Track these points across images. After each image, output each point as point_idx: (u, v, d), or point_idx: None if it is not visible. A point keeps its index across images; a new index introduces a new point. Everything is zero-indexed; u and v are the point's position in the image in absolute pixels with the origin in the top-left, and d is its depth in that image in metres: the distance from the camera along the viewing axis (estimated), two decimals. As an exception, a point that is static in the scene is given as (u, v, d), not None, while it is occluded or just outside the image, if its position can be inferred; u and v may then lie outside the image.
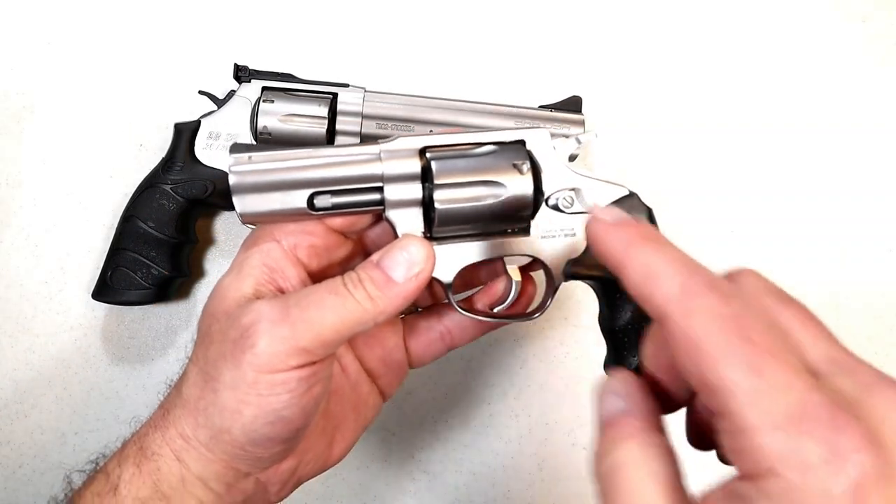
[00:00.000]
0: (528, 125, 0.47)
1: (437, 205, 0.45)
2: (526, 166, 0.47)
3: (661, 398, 0.36)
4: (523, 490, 0.73)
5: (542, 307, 0.52)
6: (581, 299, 0.74)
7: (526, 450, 0.74)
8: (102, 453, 0.48)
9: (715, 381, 0.27)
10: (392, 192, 0.46)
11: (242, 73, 0.68)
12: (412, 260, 0.44)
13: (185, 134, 0.67)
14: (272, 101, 0.66)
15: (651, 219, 0.52)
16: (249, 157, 0.44)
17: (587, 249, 0.49)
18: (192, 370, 0.46)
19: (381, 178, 0.45)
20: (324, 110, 0.66)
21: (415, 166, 0.46)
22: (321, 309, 0.42)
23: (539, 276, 0.55)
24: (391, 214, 0.46)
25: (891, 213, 0.77)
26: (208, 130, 0.67)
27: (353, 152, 0.46)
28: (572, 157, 0.69)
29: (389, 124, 0.68)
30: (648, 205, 0.52)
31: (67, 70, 0.75)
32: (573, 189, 0.49)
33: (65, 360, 0.72)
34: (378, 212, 0.47)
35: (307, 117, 0.66)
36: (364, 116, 0.68)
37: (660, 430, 0.33)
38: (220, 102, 0.68)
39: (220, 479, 0.44)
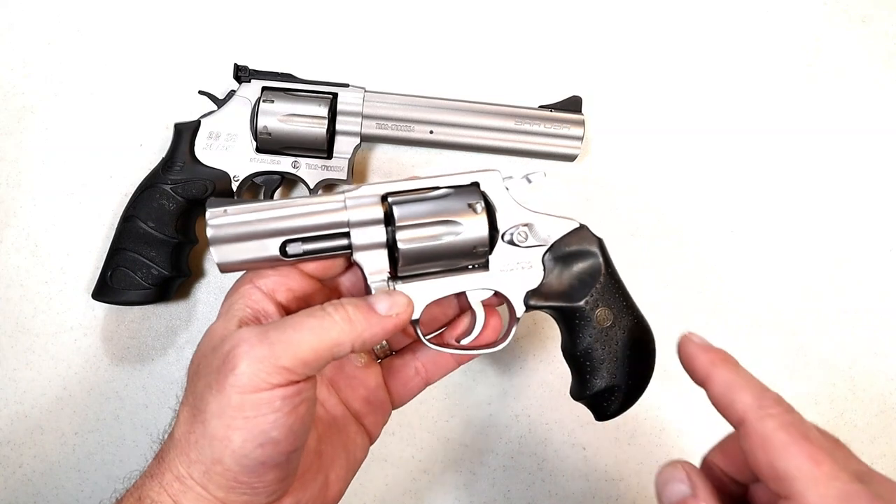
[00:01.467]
0: (483, 169, 0.53)
1: (399, 245, 0.49)
2: (480, 206, 0.51)
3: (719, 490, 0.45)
4: (523, 490, 0.74)
5: (505, 336, 0.56)
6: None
7: (526, 450, 0.74)
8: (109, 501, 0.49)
9: (783, 469, 0.37)
10: (358, 236, 0.49)
11: (242, 73, 0.68)
12: (395, 301, 0.48)
13: (185, 134, 0.67)
14: (272, 101, 0.66)
15: (602, 248, 0.55)
16: (225, 211, 0.48)
17: (544, 280, 0.54)
18: (182, 411, 0.47)
19: (348, 224, 0.49)
20: (324, 110, 0.66)
21: (378, 212, 0.49)
22: (299, 329, 0.44)
23: (503, 309, 0.57)
24: (358, 257, 0.50)
25: (891, 213, 0.77)
26: (208, 130, 0.67)
27: (320, 202, 0.49)
28: (571, 158, 0.70)
29: (389, 124, 0.68)
30: (599, 235, 0.56)
31: (67, 70, 0.75)
32: (527, 224, 0.53)
33: (65, 360, 0.72)
34: (346, 255, 0.50)
35: (307, 117, 0.66)
36: (364, 116, 0.68)
37: None
38: (220, 102, 0.68)
39: None
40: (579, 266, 0.55)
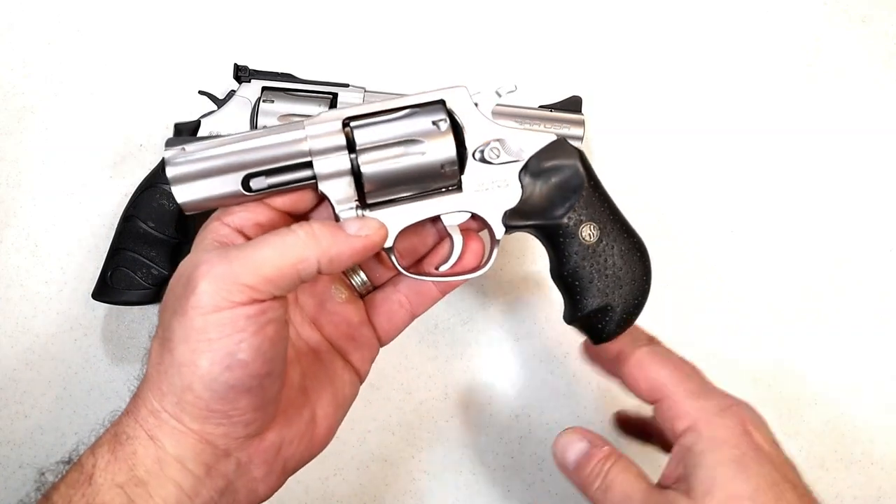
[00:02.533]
0: (450, 86, 0.51)
1: (363, 169, 0.48)
2: (445, 123, 0.49)
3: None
4: (523, 490, 0.74)
5: (486, 261, 0.54)
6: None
7: (526, 450, 0.74)
8: (75, 450, 0.47)
9: (654, 378, 0.53)
10: (321, 165, 0.47)
11: (242, 73, 0.68)
12: (365, 223, 0.47)
13: (185, 134, 0.67)
14: (272, 101, 0.66)
15: (583, 160, 0.52)
16: (183, 149, 0.47)
17: (522, 198, 0.51)
18: (153, 345, 0.46)
19: (310, 153, 0.47)
20: (324, 110, 0.66)
21: (339, 139, 0.48)
22: (261, 247, 0.43)
23: (486, 234, 0.55)
24: (324, 187, 0.48)
25: (891, 213, 0.77)
26: (208, 130, 0.67)
27: (280, 132, 0.48)
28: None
29: (389, 124, 0.68)
30: (579, 147, 0.53)
31: (67, 70, 0.75)
32: (498, 140, 0.51)
33: (65, 360, 0.72)
34: (312, 185, 0.48)
35: (307, 117, 0.66)
36: (364, 116, 0.68)
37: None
38: (220, 102, 0.68)
39: (197, 459, 0.43)
40: (559, 180, 0.52)
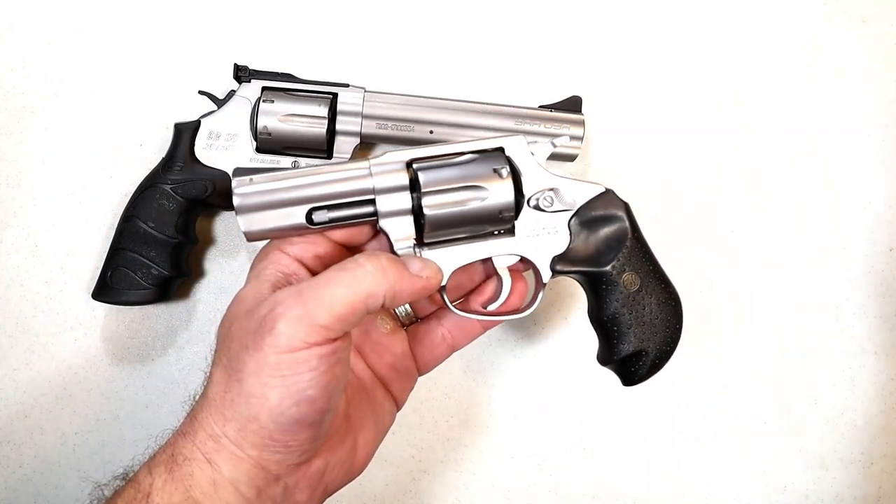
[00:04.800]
0: (510, 132, 0.56)
1: (426, 210, 0.49)
2: (505, 171, 0.51)
3: None
4: (523, 490, 0.74)
5: (532, 303, 0.56)
6: (580, 299, 0.74)
7: (526, 450, 0.74)
8: (130, 466, 0.48)
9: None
10: (384, 203, 0.49)
11: (242, 73, 0.68)
12: (427, 264, 0.49)
13: (185, 134, 0.67)
14: (272, 101, 0.66)
15: (628, 212, 0.55)
16: (251, 180, 0.49)
17: (570, 245, 0.54)
18: (215, 372, 0.47)
19: (373, 191, 0.49)
20: (324, 110, 0.66)
21: (403, 178, 0.49)
22: (332, 285, 0.44)
23: (529, 274, 0.57)
24: (384, 224, 0.50)
25: (890, 213, 0.77)
26: (208, 130, 0.67)
27: (345, 169, 0.49)
28: (571, 158, 0.70)
29: (389, 124, 0.68)
30: (625, 200, 0.56)
31: (67, 70, 0.75)
32: (552, 189, 0.53)
33: (65, 360, 0.72)
34: (372, 222, 0.50)
35: (307, 117, 0.66)
36: (364, 116, 0.68)
37: None
38: (220, 102, 0.68)
39: (250, 483, 0.45)
40: (605, 230, 0.55)
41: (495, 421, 0.74)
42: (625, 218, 0.54)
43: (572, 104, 0.71)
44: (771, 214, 0.77)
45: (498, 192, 0.50)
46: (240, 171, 0.49)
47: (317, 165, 0.52)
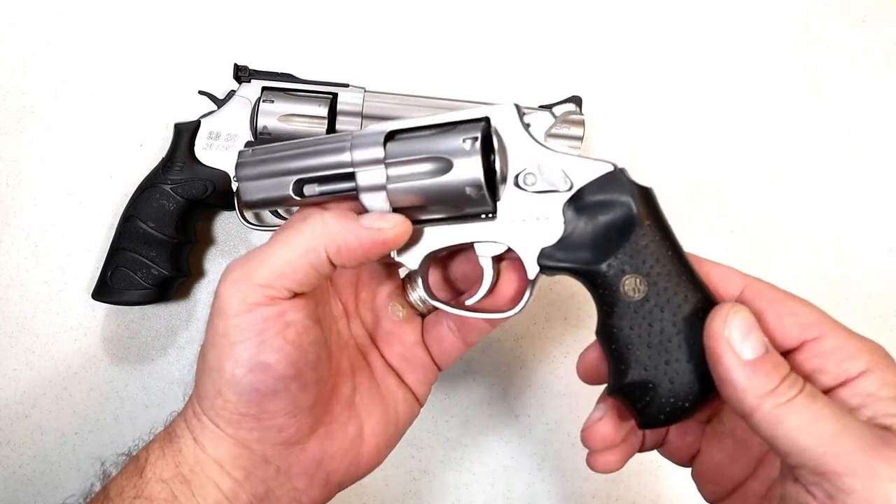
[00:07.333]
0: (499, 103, 0.45)
1: (388, 182, 0.45)
2: (473, 143, 0.44)
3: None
4: (523, 490, 0.74)
5: (516, 303, 0.47)
6: (581, 298, 0.74)
7: (526, 450, 0.74)
8: (135, 445, 0.49)
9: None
10: (362, 177, 0.46)
11: (242, 73, 0.68)
12: (384, 218, 0.44)
13: (185, 134, 0.67)
14: (272, 101, 0.66)
15: (645, 198, 0.44)
16: (252, 151, 0.48)
17: (564, 235, 0.44)
18: (199, 352, 0.47)
19: (352, 164, 0.46)
20: (323, 110, 0.66)
21: (378, 151, 0.46)
22: (272, 244, 0.43)
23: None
24: (364, 199, 0.46)
25: (890, 213, 0.77)
26: (208, 130, 0.67)
27: (329, 140, 0.47)
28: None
29: (389, 124, 0.68)
30: (642, 183, 0.44)
31: (67, 70, 0.75)
32: (539, 165, 0.45)
33: (65, 360, 0.72)
34: (354, 197, 0.47)
35: (307, 117, 0.66)
36: (364, 116, 0.68)
37: None
38: (220, 102, 0.68)
39: (234, 463, 0.44)
40: (606, 219, 0.43)
41: (495, 421, 0.74)
42: (632, 204, 0.43)
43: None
44: (770, 214, 0.77)
45: (464, 167, 0.44)
46: (249, 143, 0.50)
47: (310, 138, 0.49)
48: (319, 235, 0.43)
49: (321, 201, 0.47)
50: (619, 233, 0.43)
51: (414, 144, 0.46)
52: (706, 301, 0.42)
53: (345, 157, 0.46)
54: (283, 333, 0.42)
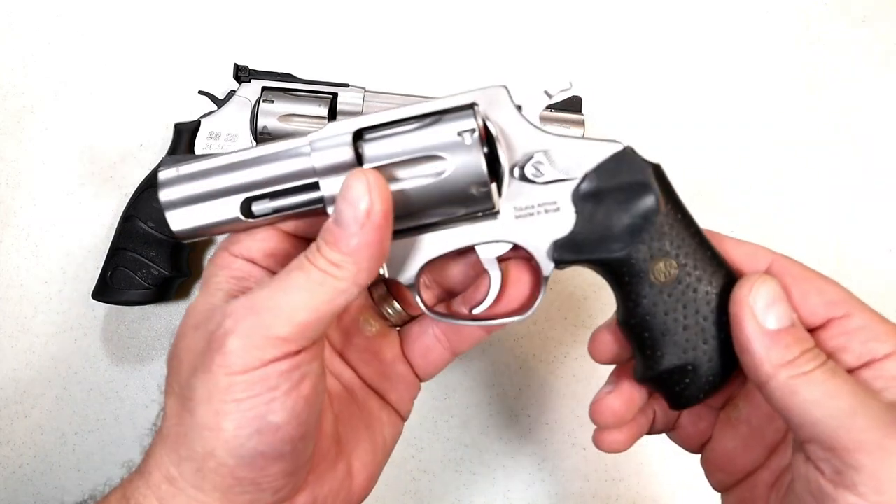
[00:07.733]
0: (486, 86, 0.41)
1: None
2: (470, 134, 0.39)
3: None
4: (523, 490, 0.73)
5: (529, 304, 0.44)
6: (580, 297, 0.74)
7: (526, 450, 0.74)
8: (92, 496, 0.43)
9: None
10: (328, 186, 0.39)
11: (242, 73, 0.68)
12: (356, 198, 0.36)
13: (185, 134, 0.67)
14: (272, 101, 0.66)
15: (659, 176, 0.42)
16: (177, 169, 0.40)
17: (576, 226, 0.41)
18: (168, 402, 0.40)
19: (314, 172, 0.39)
20: (324, 110, 0.66)
21: (347, 153, 0.39)
22: (289, 290, 0.36)
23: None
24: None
25: (890, 213, 0.77)
26: (208, 130, 0.67)
27: (281, 147, 0.40)
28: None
29: (389, 124, 0.68)
30: (653, 161, 0.43)
31: (67, 70, 0.75)
32: (546, 152, 0.41)
33: (65, 360, 0.72)
34: (321, 210, 0.40)
35: (307, 117, 0.66)
36: (364, 116, 0.68)
37: None
38: (220, 102, 0.68)
39: None
40: (624, 203, 0.41)
41: (495, 421, 0.74)
42: (651, 184, 0.41)
43: (572, 104, 0.70)
44: (770, 214, 0.77)
45: (462, 163, 0.39)
46: (168, 161, 0.40)
47: (253, 147, 0.40)
48: (341, 277, 0.37)
49: (277, 219, 0.41)
50: (640, 216, 0.41)
51: (394, 143, 0.40)
52: (730, 276, 0.41)
53: (305, 164, 0.39)
54: (297, 389, 0.36)
